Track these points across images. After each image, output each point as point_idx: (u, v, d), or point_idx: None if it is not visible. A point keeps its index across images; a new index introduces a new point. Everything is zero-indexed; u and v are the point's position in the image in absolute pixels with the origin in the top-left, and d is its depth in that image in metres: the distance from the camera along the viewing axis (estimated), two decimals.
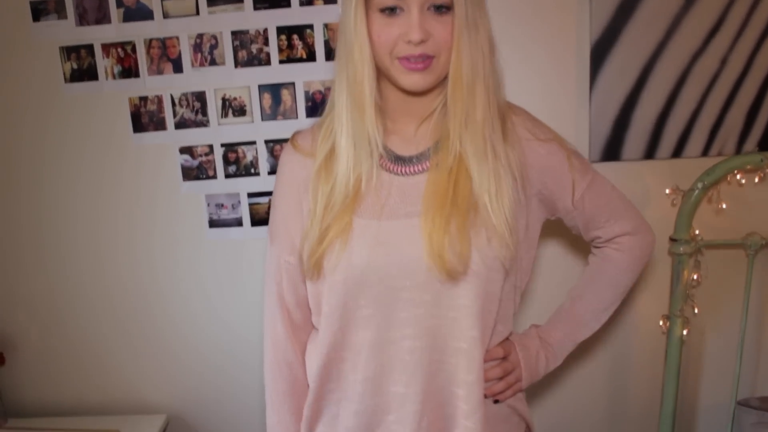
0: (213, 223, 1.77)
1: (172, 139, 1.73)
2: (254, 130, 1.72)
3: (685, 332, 1.67)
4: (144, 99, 1.71)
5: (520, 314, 1.71)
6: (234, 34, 1.67)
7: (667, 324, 1.68)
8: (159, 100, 1.71)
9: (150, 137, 1.74)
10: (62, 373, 1.93)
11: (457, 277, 1.05)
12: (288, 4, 1.64)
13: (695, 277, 1.66)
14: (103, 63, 1.70)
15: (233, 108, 1.70)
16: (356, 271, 1.07)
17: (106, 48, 1.69)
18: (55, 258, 1.84)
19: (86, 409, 1.95)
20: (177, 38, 1.68)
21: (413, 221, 1.07)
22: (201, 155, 1.73)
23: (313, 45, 1.66)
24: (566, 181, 1.16)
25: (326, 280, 1.10)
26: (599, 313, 1.29)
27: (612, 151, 1.67)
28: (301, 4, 1.64)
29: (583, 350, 1.81)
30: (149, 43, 1.68)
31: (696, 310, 1.67)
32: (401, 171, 1.11)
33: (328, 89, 1.68)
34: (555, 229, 1.26)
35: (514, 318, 1.23)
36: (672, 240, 1.64)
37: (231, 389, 1.91)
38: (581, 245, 1.24)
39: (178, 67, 1.69)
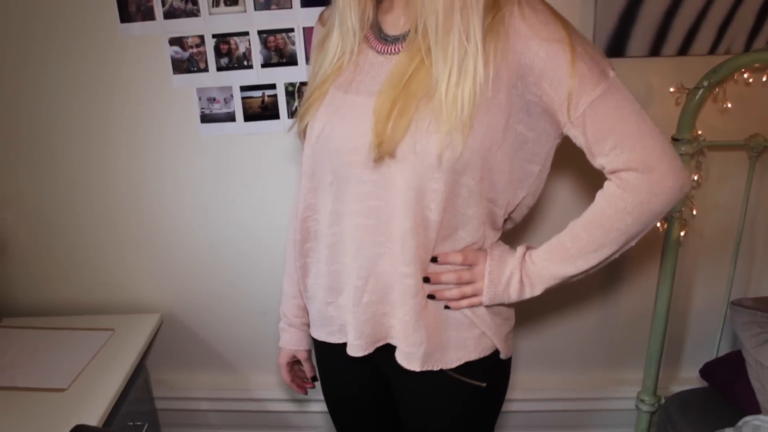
0: (205, 118, 1.72)
1: (161, 29, 1.66)
2: (247, 20, 1.65)
3: (682, 234, 1.66)
4: None
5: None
6: None
7: (665, 225, 1.67)
8: None
9: (138, 28, 1.67)
10: (54, 273, 1.92)
11: (382, 159, 1.04)
12: None
13: (696, 178, 1.64)
14: None
15: None
16: (315, 138, 1.12)
17: None
18: (42, 156, 1.79)
19: (80, 309, 1.95)
20: None
21: (371, 99, 1.06)
22: (192, 47, 1.67)
23: None
24: (565, 91, 1.01)
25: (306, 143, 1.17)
26: (588, 254, 1.10)
27: (617, 46, 1.61)
28: None
29: None
30: None
31: (694, 212, 1.66)
32: (383, 50, 1.11)
33: None
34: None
35: (508, 236, 1.20)
36: (674, 140, 1.61)
37: (224, 289, 1.91)
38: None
39: None
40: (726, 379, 1.69)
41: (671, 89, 1.60)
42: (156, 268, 1.89)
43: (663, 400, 1.81)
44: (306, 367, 1.44)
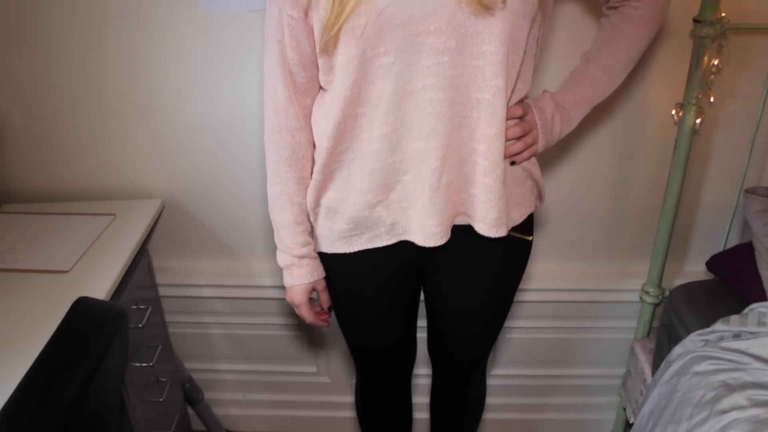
0: None
1: None
2: None
3: (698, 121, 1.61)
4: None
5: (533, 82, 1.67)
6: None
7: (680, 113, 1.63)
8: None
9: None
10: (53, 158, 1.88)
11: (493, 9, 0.98)
12: None
13: (716, 62, 1.58)
14: None
15: None
16: (375, 16, 0.99)
17: None
18: (35, 36, 1.71)
19: (80, 195, 1.92)
20: None
21: None
22: None
23: None
24: None
25: (342, 30, 1.03)
26: (615, 75, 1.25)
27: None
28: None
29: (591, 137, 1.77)
30: None
31: (712, 99, 1.61)
32: None
33: None
34: None
35: (533, 80, 1.19)
36: (696, 21, 1.54)
37: (227, 174, 1.87)
38: (594, 9, 1.17)
39: None
40: (733, 270, 1.68)
41: None
42: (156, 153, 1.85)
43: (667, 293, 1.81)
44: (324, 297, 1.33)
